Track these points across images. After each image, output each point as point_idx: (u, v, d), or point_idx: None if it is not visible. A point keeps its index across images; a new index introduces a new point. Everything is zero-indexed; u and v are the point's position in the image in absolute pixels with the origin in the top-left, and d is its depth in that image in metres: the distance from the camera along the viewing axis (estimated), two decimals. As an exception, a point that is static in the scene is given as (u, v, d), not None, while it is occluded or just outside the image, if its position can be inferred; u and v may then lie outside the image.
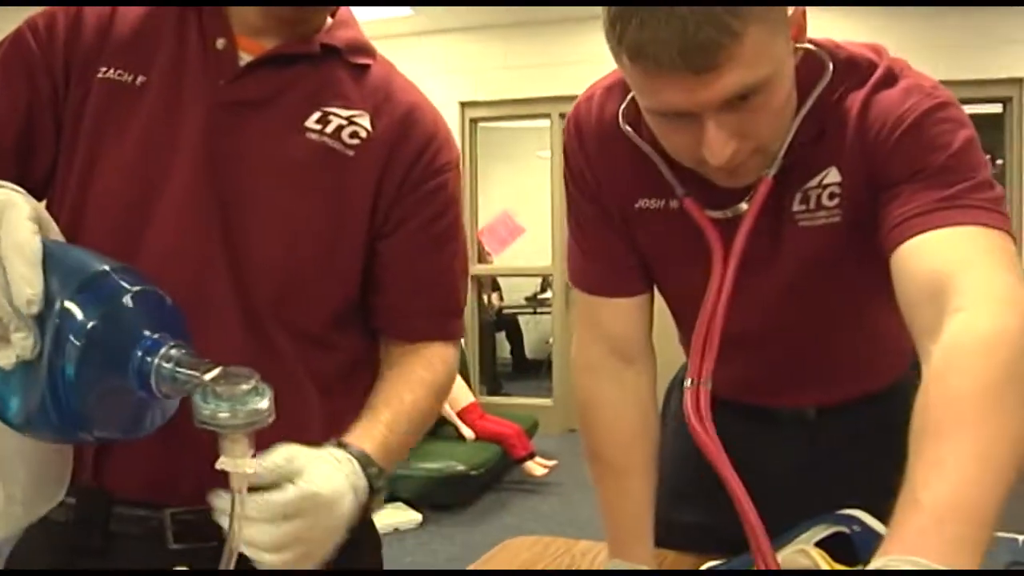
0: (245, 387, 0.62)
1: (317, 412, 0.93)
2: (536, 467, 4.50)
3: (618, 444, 1.08)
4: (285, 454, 0.73)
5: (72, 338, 0.61)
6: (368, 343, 1.02)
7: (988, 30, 4.86)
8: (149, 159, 0.89)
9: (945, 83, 0.89)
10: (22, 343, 0.61)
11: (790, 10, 0.82)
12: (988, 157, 0.86)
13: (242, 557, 0.68)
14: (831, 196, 0.92)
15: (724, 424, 1.26)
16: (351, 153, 0.92)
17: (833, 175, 0.91)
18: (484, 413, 4.67)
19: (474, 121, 5.94)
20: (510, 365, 7.92)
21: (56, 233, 0.70)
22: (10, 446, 0.73)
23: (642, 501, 1.09)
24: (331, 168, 0.92)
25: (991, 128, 5.60)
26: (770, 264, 0.98)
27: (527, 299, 8.02)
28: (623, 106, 0.99)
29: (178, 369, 0.63)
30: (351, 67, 0.96)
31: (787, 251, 0.97)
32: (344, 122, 0.92)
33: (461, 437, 4.44)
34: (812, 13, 0.85)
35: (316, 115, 0.92)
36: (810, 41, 0.91)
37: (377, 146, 0.94)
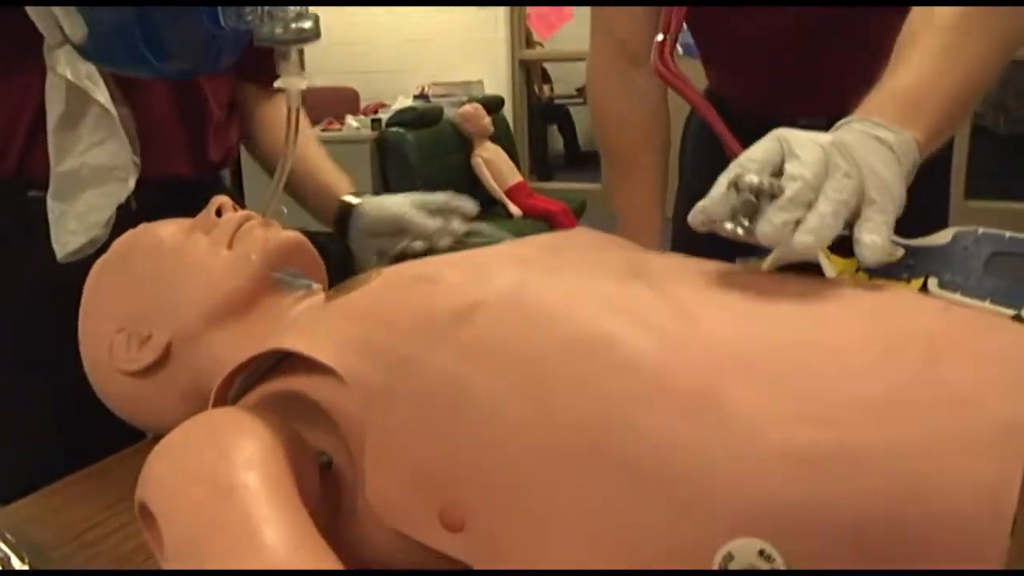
0: (294, 12, 0.74)
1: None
2: (582, 245, 4.59)
3: (627, 138, 1.16)
4: None
5: None
6: None
7: None
8: None
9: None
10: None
11: None
12: None
13: None
14: None
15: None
16: None
17: None
18: (532, 192, 4.73)
19: None
20: (562, 158, 7.90)
21: None
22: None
23: (651, 192, 1.17)
24: None
25: None
26: None
27: (578, 90, 7.87)
28: None
29: None
30: None
31: None
32: None
33: (508, 215, 4.52)
34: None
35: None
36: None
37: None
